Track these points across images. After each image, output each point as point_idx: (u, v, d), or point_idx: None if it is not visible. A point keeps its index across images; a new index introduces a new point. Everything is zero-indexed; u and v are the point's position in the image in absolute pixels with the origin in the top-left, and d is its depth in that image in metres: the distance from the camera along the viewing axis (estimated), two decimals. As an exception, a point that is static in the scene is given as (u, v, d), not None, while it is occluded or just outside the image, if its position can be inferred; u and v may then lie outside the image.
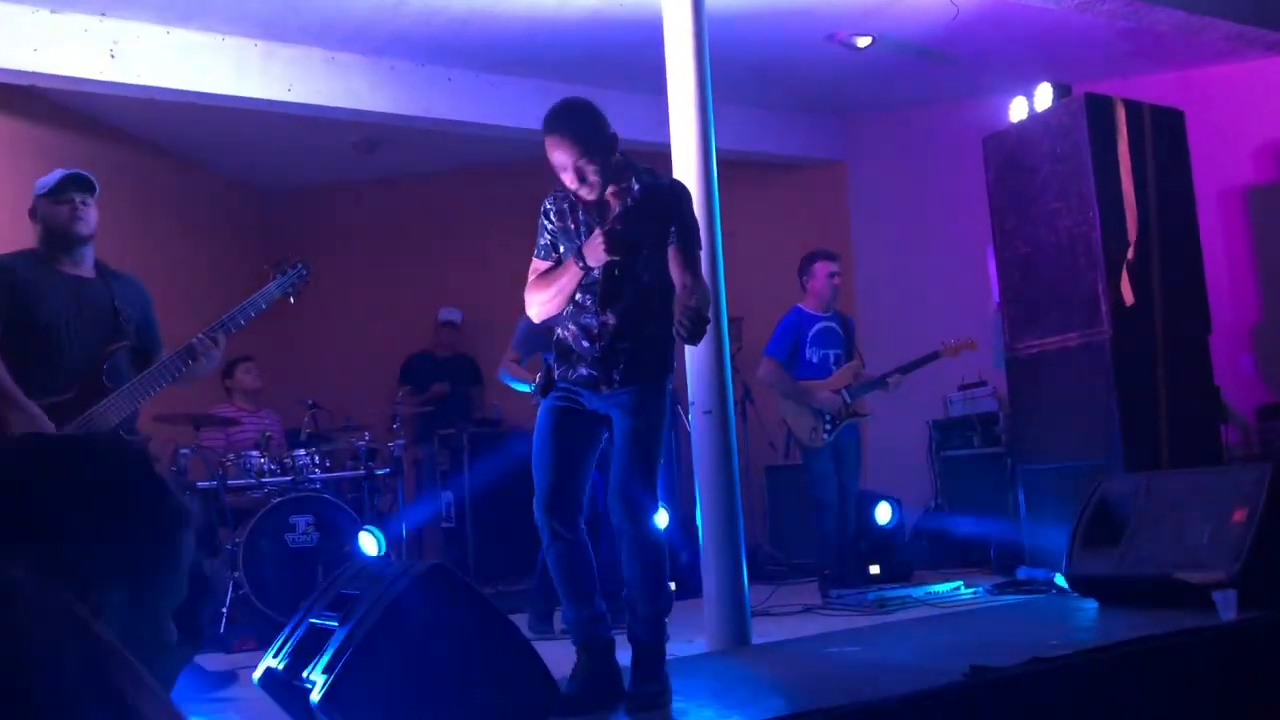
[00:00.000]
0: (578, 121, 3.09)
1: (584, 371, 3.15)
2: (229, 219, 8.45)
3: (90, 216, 3.72)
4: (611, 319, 3.13)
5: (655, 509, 3.11)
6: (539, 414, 3.24)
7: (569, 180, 3.10)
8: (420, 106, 6.53)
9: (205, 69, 5.86)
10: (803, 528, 6.67)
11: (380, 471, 5.99)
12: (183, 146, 7.69)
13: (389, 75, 6.39)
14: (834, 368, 5.88)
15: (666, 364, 3.21)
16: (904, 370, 5.98)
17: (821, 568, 5.79)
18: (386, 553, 5.35)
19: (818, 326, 5.89)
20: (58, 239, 3.70)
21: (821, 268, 5.93)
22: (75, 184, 3.70)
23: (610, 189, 3.13)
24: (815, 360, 5.85)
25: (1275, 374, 7.03)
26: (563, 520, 3.08)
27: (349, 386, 7.64)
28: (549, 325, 5.06)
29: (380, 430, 6.55)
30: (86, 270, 3.76)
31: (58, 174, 3.73)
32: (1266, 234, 7.23)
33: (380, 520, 6.02)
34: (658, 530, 3.14)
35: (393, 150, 7.89)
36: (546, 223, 3.24)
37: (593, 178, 3.07)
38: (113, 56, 5.58)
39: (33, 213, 3.74)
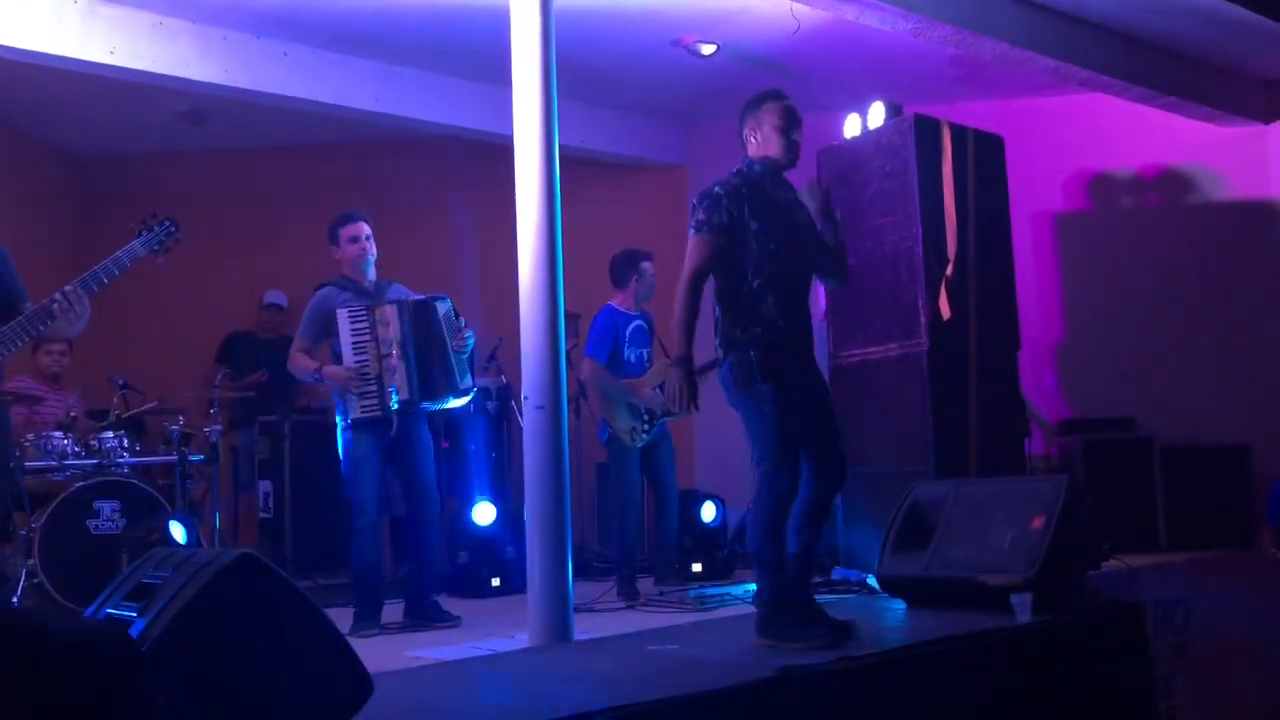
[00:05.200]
0: None
1: None
2: (44, 187, 7.94)
3: None
4: None
5: None
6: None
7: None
8: (252, 80, 6.27)
9: (14, 21, 5.49)
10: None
11: (194, 457, 5.73)
12: (-10, 105, 7.20)
13: (220, 45, 6.12)
14: (647, 365, 5.89)
15: None
16: (707, 369, 6.00)
17: (620, 566, 5.68)
18: (194, 542, 5.13)
19: (632, 325, 5.84)
20: None
21: (649, 267, 5.93)
22: None
23: None
24: (632, 359, 5.80)
25: (1075, 391, 7.48)
26: None
27: (164, 367, 7.28)
28: (333, 308, 4.93)
29: (196, 414, 6.27)
30: None
31: None
32: (1072, 259, 7.68)
33: (193, 508, 5.76)
34: None
35: (222, 123, 7.57)
36: None
37: None
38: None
39: None
